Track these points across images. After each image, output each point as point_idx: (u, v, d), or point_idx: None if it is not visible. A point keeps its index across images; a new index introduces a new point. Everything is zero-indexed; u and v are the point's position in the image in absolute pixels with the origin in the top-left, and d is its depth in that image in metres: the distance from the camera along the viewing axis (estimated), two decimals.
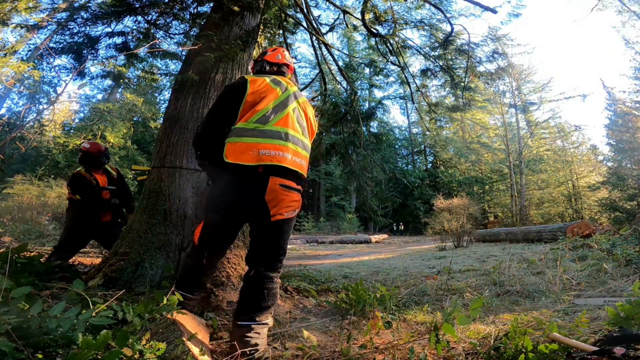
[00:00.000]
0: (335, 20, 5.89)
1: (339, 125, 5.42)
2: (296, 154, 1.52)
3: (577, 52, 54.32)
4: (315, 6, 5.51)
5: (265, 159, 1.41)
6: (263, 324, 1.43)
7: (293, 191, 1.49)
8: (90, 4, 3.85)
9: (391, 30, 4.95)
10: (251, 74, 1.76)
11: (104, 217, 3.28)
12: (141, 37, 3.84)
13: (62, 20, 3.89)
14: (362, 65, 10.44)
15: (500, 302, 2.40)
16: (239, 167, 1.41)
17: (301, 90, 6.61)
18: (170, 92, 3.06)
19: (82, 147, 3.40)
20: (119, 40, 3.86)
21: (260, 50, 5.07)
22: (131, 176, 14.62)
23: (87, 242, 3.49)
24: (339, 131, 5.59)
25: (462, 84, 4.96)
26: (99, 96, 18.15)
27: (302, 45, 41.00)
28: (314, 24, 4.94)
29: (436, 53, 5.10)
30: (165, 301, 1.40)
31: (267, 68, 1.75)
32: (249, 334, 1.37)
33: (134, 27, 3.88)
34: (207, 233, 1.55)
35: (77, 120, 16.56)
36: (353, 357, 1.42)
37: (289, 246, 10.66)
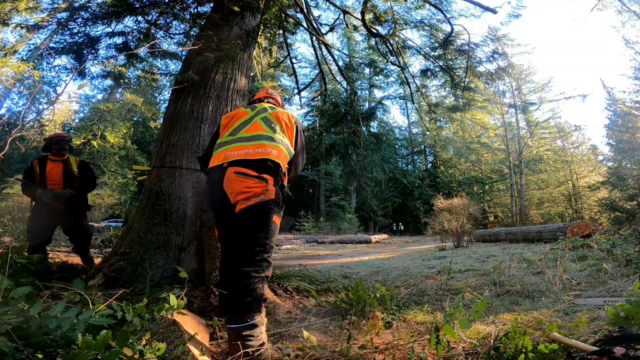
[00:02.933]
0: (335, 21, 5.89)
1: (339, 125, 5.42)
2: (261, 147, 1.67)
3: (577, 52, 54.40)
4: (315, 6, 5.52)
5: (229, 158, 1.65)
6: (249, 325, 1.39)
7: (248, 177, 1.56)
8: (90, 4, 3.86)
9: (391, 31, 4.95)
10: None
11: (58, 205, 3.24)
12: (141, 37, 3.84)
13: (62, 20, 3.90)
14: (362, 65, 10.44)
15: (500, 302, 2.40)
16: (212, 169, 1.69)
17: (301, 90, 6.64)
18: (170, 92, 3.07)
19: (46, 136, 3.49)
20: (119, 40, 3.87)
21: (261, 50, 5.07)
22: (131, 176, 14.65)
23: (51, 231, 3.43)
24: (339, 131, 5.59)
25: (462, 84, 4.96)
26: (99, 96, 18.14)
27: (302, 45, 41.08)
28: (314, 24, 4.94)
29: (436, 53, 5.10)
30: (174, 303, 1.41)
31: (251, 99, 2.21)
32: (244, 334, 1.37)
33: (134, 27, 3.89)
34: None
35: (77, 120, 16.58)
36: (353, 357, 1.42)
37: (288, 246, 10.58)
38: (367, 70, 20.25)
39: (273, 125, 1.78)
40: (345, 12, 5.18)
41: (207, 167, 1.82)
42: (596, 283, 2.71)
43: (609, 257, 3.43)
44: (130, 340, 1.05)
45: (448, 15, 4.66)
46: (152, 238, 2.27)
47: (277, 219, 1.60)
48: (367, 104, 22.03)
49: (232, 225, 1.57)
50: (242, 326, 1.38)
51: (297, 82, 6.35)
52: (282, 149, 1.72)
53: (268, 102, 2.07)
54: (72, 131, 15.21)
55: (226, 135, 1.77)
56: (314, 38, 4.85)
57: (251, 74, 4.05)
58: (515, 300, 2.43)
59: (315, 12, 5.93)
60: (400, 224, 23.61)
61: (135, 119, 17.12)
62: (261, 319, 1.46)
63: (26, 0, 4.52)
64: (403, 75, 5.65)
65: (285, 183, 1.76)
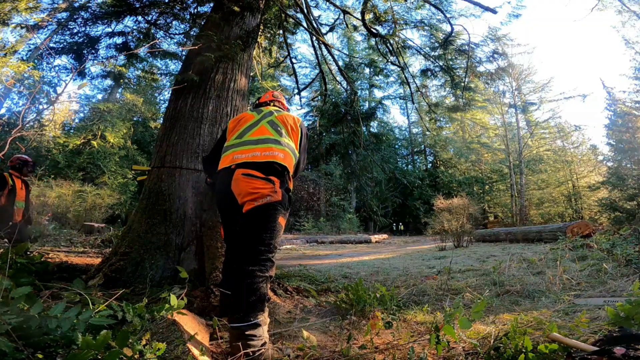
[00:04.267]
0: (335, 21, 5.89)
1: (339, 125, 5.43)
2: (268, 150, 1.70)
3: (577, 52, 54.39)
4: (315, 6, 5.52)
5: (237, 160, 1.68)
6: (252, 324, 1.40)
7: (256, 179, 1.59)
8: (90, 4, 3.86)
9: (391, 31, 4.95)
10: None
11: (16, 216, 3.83)
12: (141, 37, 3.84)
13: (62, 20, 3.90)
14: (362, 65, 10.44)
15: (500, 302, 2.40)
16: (220, 171, 1.73)
17: (301, 90, 6.64)
18: (170, 92, 3.07)
19: (17, 156, 4.08)
20: (119, 40, 3.86)
21: (261, 50, 5.07)
22: (131, 176, 14.64)
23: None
24: (339, 131, 5.60)
25: (462, 84, 4.96)
26: (99, 96, 18.14)
27: (302, 45, 41.09)
28: (314, 24, 4.95)
29: (436, 53, 5.10)
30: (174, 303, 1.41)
31: (257, 102, 2.26)
32: (247, 333, 1.37)
33: (134, 27, 3.88)
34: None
35: (77, 120, 16.58)
36: (353, 357, 1.42)
37: (288, 246, 10.59)
38: (367, 70, 20.26)
39: (279, 128, 1.82)
40: (345, 12, 5.18)
41: (211, 169, 1.86)
42: (596, 283, 2.70)
43: (609, 257, 3.42)
44: (130, 340, 1.05)
45: (448, 15, 4.65)
46: (152, 238, 2.27)
47: (282, 220, 1.63)
48: (367, 104, 22.00)
49: (239, 226, 1.59)
50: (246, 325, 1.39)
51: (297, 82, 6.35)
52: (288, 152, 1.76)
53: (274, 105, 2.10)
54: (72, 131, 15.21)
55: (233, 139, 1.81)
56: (314, 38, 4.85)
57: (251, 74, 4.05)
58: (515, 300, 2.43)
59: (315, 12, 5.93)
60: (400, 224, 23.58)
61: (135, 119, 17.13)
62: (264, 318, 1.47)
63: (26, 0, 4.52)
64: (403, 75, 5.65)
65: (291, 186, 1.79)
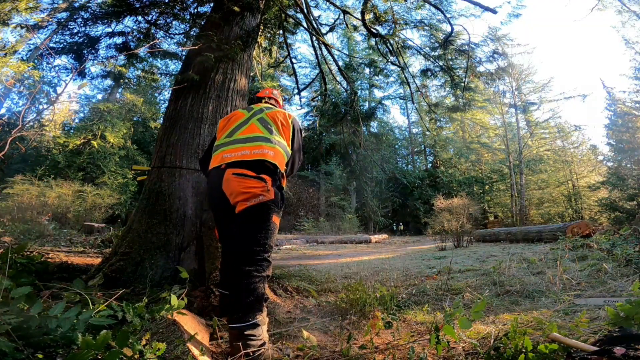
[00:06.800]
0: (335, 21, 5.89)
1: (339, 125, 5.43)
2: (257, 148, 1.68)
3: (577, 52, 54.44)
4: (315, 6, 5.52)
5: (226, 159, 1.67)
6: (251, 324, 1.40)
7: (247, 178, 1.57)
8: (90, 4, 3.86)
9: (391, 31, 4.95)
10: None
11: None
12: (141, 37, 3.83)
13: (62, 20, 3.89)
14: (362, 65, 10.44)
15: (500, 302, 2.40)
16: (211, 170, 1.73)
17: (301, 90, 6.64)
18: (170, 92, 3.07)
19: None
20: (119, 40, 3.86)
21: (261, 50, 5.08)
22: (131, 176, 14.64)
23: None
24: (339, 131, 5.61)
25: (462, 84, 4.96)
26: (99, 96, 18.14)
27: (302, 45, 41.12)
28: (314, 24, 4.95)
29: (436, 53, 5.10)
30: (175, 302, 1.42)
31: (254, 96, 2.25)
32: (246, 334, 1.37)
33: (134, 27, 3.88)
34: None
35: (77, 120, 16.58)
36: (353, 357, 1.42)
37: (288, 246, 10.57)
38: (367, 70, 20.19)
39: (269, 126, 1.79)
40: (345, 12, 5.18)
41: (207, 169, 1.83)
42: (596, 283, 2.70)
43: (609, 257, 3.42)
44: (130, 340, 1.05)
45: (448, 15, 4.66)
46: (152, 238, 2.26)
47: (276, 219, 1.62)
48: (367, 104, 21.96)
49: (232, 226, 1.58)
50: (244, 325, 1.39)
51: (297, 82, 6.35)
52: (278, 150, 1.73)
53: (267, 102, 2.08)
54: (72, 131, 15.22)
55: (223, 137, 1.79)
56: (314, 38, 4.86)
57: (251, 74, 4.05)
58: (515, 300, 2.43)
59: (315, 12, 5.94)
60: (400, 224, 23.57)
61: (135, 119, 17.13)
62: (263, 318, 1.47)
63: (26, 0, 4.52)
64: (403, 75, 5.65)
65: (284, 185, 1.76)
